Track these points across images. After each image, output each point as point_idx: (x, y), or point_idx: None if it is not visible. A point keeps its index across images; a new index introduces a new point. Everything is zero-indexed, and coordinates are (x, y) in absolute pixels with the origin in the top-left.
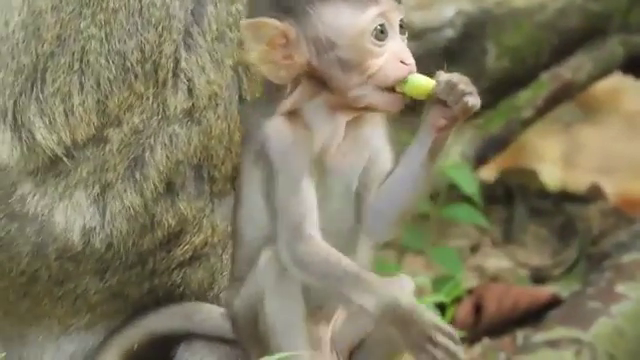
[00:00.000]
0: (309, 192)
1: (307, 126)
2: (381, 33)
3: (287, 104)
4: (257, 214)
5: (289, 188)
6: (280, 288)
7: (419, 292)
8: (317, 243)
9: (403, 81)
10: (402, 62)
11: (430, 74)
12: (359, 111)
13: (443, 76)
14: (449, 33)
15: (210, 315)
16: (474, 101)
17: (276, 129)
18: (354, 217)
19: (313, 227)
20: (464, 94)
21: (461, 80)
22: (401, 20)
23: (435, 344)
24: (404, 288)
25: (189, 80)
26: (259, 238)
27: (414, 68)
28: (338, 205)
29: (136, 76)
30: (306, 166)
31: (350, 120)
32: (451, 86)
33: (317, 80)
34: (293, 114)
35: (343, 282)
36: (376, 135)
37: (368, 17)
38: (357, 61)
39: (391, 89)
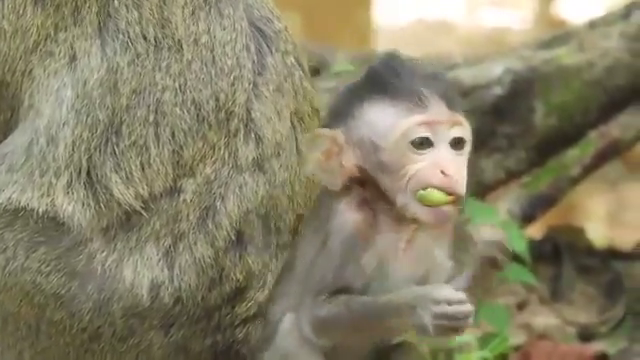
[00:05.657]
0: (348, 277)
1: (372, 225)
2: (420, 144)
3: (358, 194)
4: None
5: (329, 262)
6: (302, 353)
7: (464, 349)
8: (331, 302)
9: (420, 197)
10: (442, 172)
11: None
12: (413, 223)
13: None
14: (497, 91)
15: None
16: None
17: (344, 211)
18: None
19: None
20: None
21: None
22: (458, 138)
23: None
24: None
25: (259, 129)
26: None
27: (456, 184)
28: None
29: (210, 126)
30: (355, 257)
31: (412, 230)
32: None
33: (376, 187)
34: (365, 203)
35: (376, 315)
36: (438, 249)
37: (408, 125)
38: (396, 166)
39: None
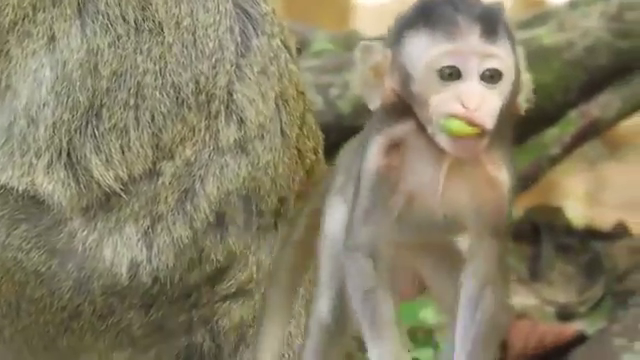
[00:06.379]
0: (376, 223)
1: (404, 161)
2: (449, 75)
3: (394, 132)
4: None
5: (361, 210)
6: None
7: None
8: (361, 264)
9: (442, 125)
10: (462, 104)
11: None
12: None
13: None
14: None
15: None
16: None
17: (374, 152)
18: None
19: (364, 257)
20: None
21: None
22: (491, 70)
23: None
24: None
25: (241, 111)
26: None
27: (477, 116)
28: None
29: (190, 108)
30: (381, 201)
31: (447, 163)
32: None
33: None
34: (399, 142)
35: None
36: (471, 198)
37: (434, 53)
38: (424, 96)
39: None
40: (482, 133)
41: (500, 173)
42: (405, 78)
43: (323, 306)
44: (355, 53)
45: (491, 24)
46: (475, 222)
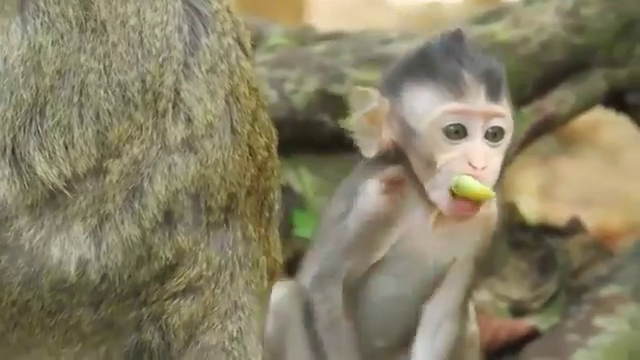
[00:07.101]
0: (353, 259)
1: (400, 202)
2: (455, 133)
3: (389, 173)
4: None
5: (342, 238)
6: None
7: None
8: (330, 292)
9: (456, 182)
10: (470, 164)
11: None
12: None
13: None
14: None
15: None
16: None
17: (371, 191)
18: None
19: (335, 286)
20: None
21: None
22: (495, 129)
23: None
24: None
25: (189, 110)
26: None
27: (485, 176)
28: (407, 289)
29: (136, 107)
30: (372, 240)
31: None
32: None
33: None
34: (395, 183)
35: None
36: (465, 244)
37: (440, 112)
38: (428, 152)
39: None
40: (484, 200)
41: (491, 207)
42: (407, 131)
43: None
44: (350, 98)
45: (496, 83)
46: (463, 256)
